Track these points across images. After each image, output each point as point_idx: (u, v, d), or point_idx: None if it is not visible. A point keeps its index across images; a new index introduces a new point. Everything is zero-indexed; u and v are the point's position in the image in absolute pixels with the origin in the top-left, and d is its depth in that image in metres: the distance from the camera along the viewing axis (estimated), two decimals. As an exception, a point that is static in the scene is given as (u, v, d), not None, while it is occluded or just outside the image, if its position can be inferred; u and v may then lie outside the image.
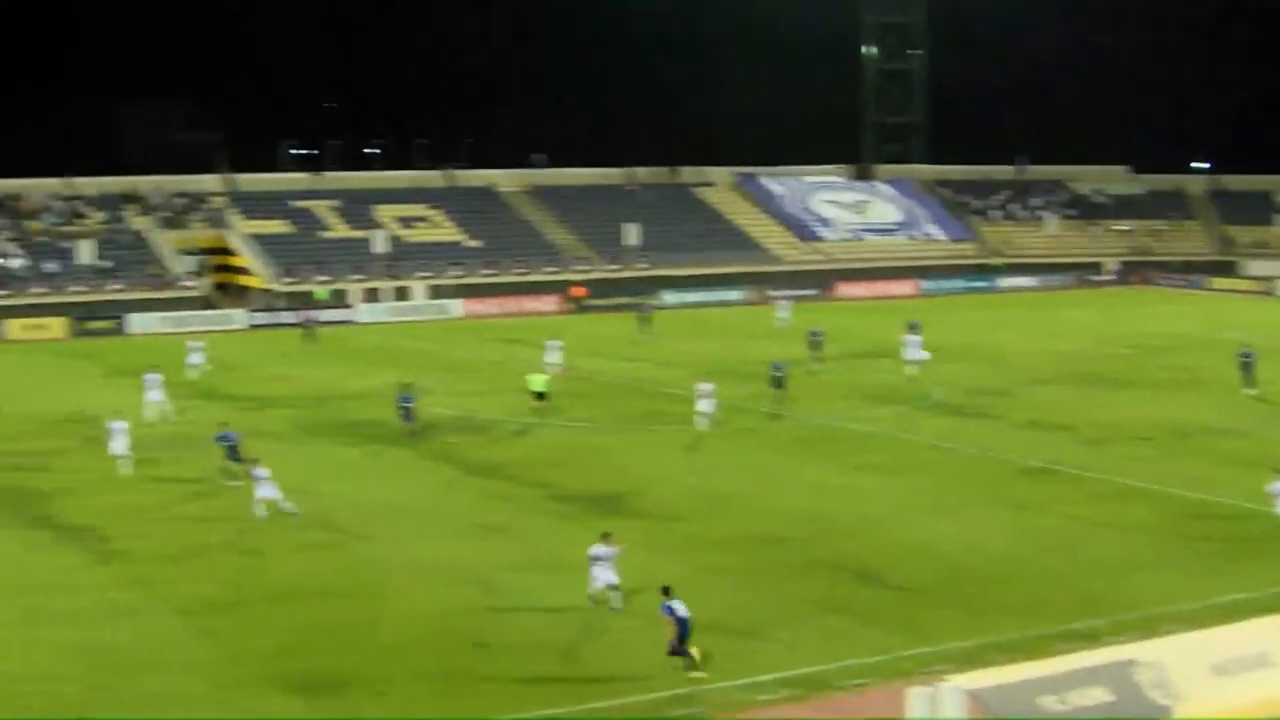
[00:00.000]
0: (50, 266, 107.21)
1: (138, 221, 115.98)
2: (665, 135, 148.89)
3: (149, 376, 63.57)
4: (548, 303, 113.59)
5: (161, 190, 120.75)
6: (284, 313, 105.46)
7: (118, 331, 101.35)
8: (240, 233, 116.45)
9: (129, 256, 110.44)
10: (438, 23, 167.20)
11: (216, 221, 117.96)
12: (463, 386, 71.81)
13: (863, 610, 35.47)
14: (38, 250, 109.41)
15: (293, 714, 29.20)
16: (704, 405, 57.35)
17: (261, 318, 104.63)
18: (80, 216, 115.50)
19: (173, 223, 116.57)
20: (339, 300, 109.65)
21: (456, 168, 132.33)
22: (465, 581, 37.59)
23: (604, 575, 34.85)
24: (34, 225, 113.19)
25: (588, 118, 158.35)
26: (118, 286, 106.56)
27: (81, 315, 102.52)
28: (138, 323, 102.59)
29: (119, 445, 51.76)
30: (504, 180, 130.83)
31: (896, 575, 38.35)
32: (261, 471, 44.65)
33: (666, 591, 31.20)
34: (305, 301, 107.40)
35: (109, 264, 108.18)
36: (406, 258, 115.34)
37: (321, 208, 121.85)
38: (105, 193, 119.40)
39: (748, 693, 30.12)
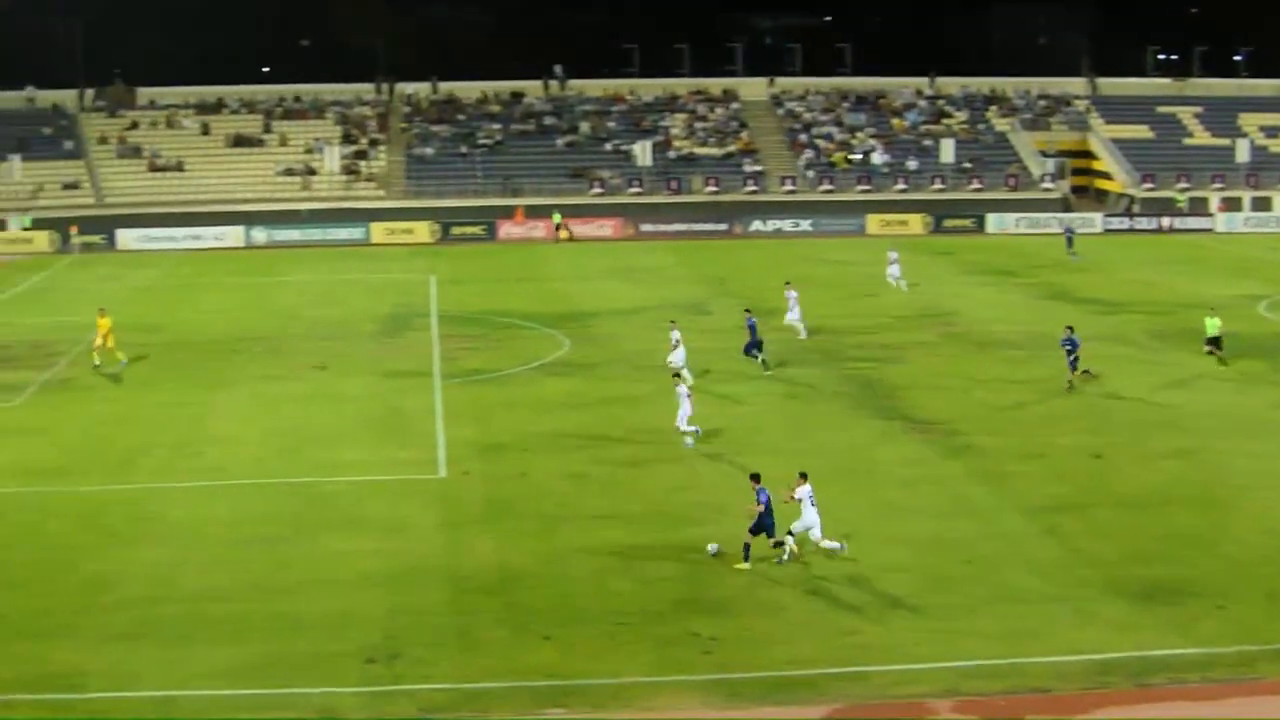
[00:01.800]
0: (912, 164, 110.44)
1: (1000, 122, 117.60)
2: None
3: (790, 294, 60.67)
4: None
5: (1024, 92, 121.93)
6: (1141, 218, 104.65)
7: (976, 230, 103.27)
8: (1101, 136, 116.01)
9: (989, 156, 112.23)
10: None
11: (1077, 125, 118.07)
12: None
13: None
14: (901, 148, 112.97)
15: (1130, 620, 29.16)
16: None
17: (1116, 222, 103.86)
18: (944, 116, 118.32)
19: (1034, 124, 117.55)
20: (1198, 208, 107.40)
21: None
22: (1321, 501, 36.73)
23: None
24: (898, 123, 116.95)
25: None
26: (977, 186, 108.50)
27: (940, 213, 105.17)
28: (995, 222, 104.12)
29: (677, 357, 50.69)
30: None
31: None
32: (684, 389, 43.27)
33: (756, 479, 32.45)
34: (1163, 208, 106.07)
35: (969, 163, 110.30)
36: (1269, 167, 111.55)
37: (1184, 114, 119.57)
38: (969, 93, 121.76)
39: None
